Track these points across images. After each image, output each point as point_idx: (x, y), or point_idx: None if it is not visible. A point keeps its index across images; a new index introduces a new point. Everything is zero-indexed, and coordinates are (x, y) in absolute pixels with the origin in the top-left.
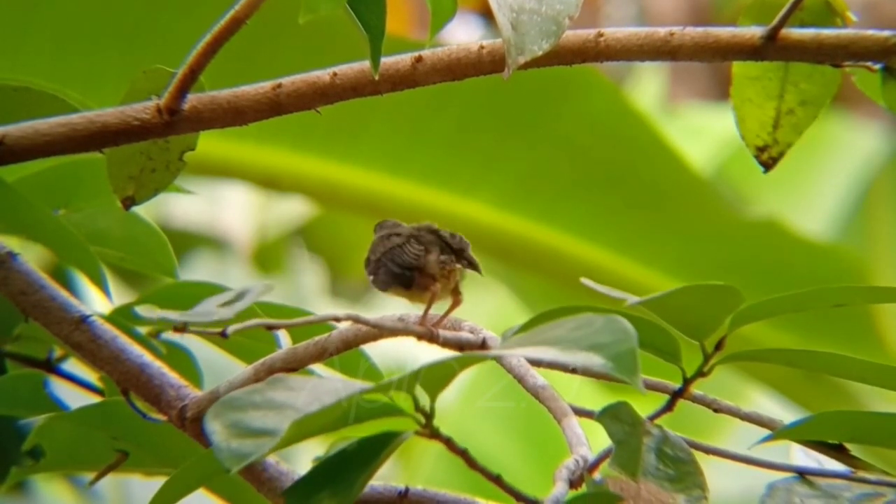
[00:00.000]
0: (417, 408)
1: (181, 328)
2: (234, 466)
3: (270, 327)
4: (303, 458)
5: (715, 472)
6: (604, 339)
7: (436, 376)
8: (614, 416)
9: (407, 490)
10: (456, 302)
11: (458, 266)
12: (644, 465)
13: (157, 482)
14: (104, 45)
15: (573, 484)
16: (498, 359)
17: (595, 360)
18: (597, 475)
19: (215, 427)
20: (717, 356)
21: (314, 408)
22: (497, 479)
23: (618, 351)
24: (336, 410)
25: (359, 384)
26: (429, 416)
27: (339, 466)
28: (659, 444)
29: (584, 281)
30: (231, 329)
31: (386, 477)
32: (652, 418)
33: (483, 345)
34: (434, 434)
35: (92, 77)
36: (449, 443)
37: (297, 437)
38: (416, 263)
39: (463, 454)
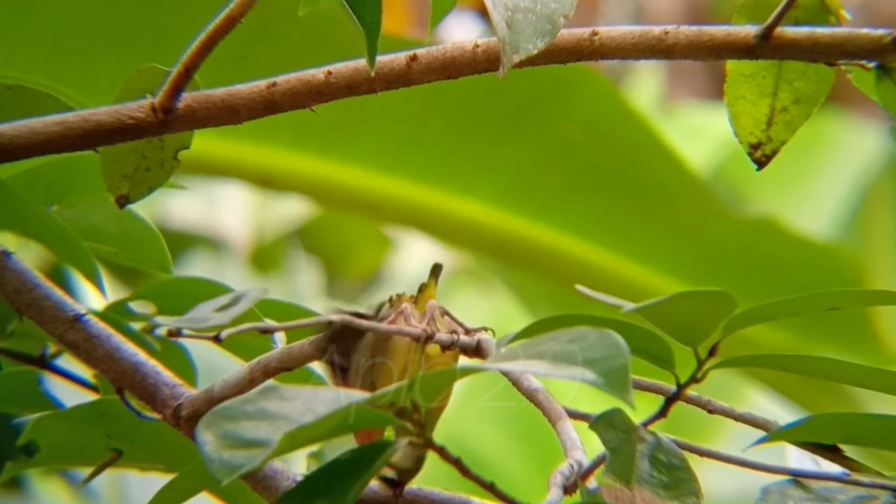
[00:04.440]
0: (412, 416)
1: (174, 333)
2: (226, 478)
3: (265, 331)
4: (298, 455)
5: (711, 473)
6: (596, 355)
7: (432, 385)
8: (608, 424)
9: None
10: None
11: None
12: (638, 473)
13: (154, 479)
14: (99, 43)
15: (568, 489)
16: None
17: (587, 376)
18: (591, 482)
19: (207, 437)
20: (710, 361)
21: (308, 419)
22: (491, 487)
23: (610, 367)
24: (330, 421)
25: (354, 394)
26: (423, 425)
27: (333, 475)
28: (653, 450)
29: (579, 288)
30: (225, 333)
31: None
32: (646, 424)
33: (478, 347)
34: (428, 443)
35: (87, 75)
36: (442, 451)
37: (290, 447)
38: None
39: (456, 463)
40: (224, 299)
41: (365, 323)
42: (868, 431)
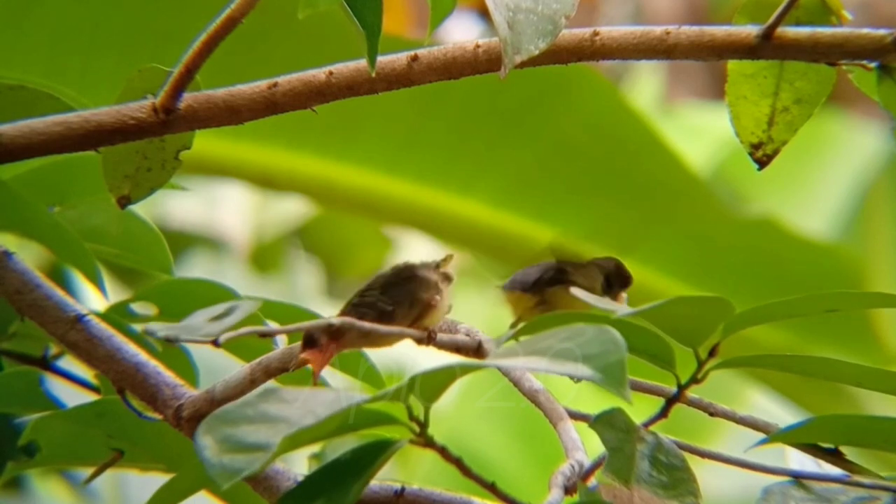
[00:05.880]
0: (412, 417)
1: (173, 340)
2: (225, 482)
3: (264, 335)
4: (299, 456)
5: (711, 474)
6: (594, 350)
7: (432, 384)
8: (608, 423)
9: (403, 489)
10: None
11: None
12: (637, 472)
13: (154, 479)
14: (101, 43)
15: (569, 489)
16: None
17: (585, 371)
18: (592, 482)
19: (206, 442)
20: (710, 362)
21: (308, 421)
22: (492, 487)
23: (607, 362)
24: (330, 423)
25: (354, 395)
26: (423, 424)
27: (334, 474)
28: (653, 450)
29: (575, 291)
30: (224, 337)
31: (382, 476)
32: (646, 425)
33: (479, 348)
34: (428, 443)
35: (89, 76)
36: (444, 451)
37: (289, 449)
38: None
39: (457, 462)
40: (219, 308)
41: (367, 325)
42: (869, 433)
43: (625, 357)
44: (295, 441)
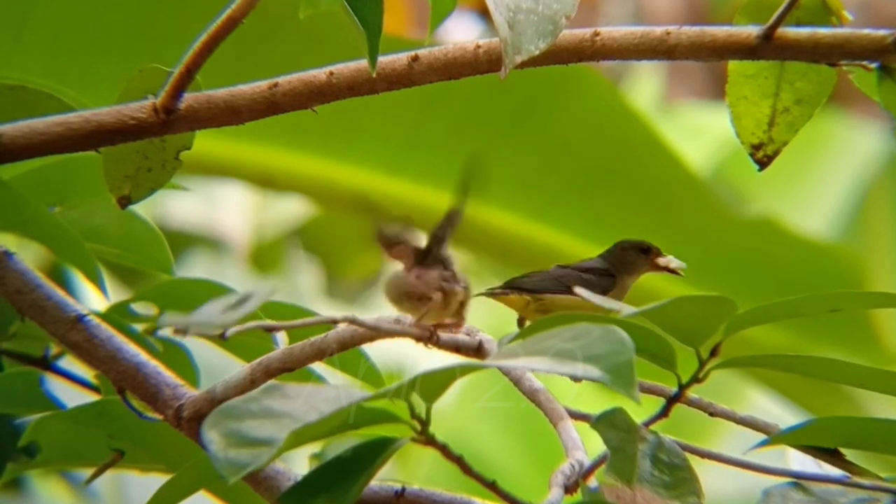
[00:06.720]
0: (413, 414)
1: (183, 331)
2: (232, 476)
3: (269, 329)
4: (299, 457)
5: (712, 474)
6: (601, 350)
7: (433, 384)
8: (610, 423)
9: (403, 490)
10: (459, 321)
11: (459, 289)
12: (639, 472)
13: (154, 480)
14: (101, 43)
15: (569, 489)
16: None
17: (592, 372)
18: (592, 481)
19: (213, 437)
20: (712, 362)
21: (312, 417)
22: (492, 486)
23: (615, 362)
24: (334, 419)
25: (356, 392)
26: (424, 422)
27: (335, 472)
28: (654, 450)
29: (578, 290)
30: (230, 332)
31: (382, 476)
32: (647, 424)
33: (479, 347)
34: (430, 441)
35: (88, 76)
36: (444, 449)
37: (294, 445)
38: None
39: (458, 461)
40: (231, 298)
41: (368, 321)
42: (869, 435)
43: (633, 357)
44: (300, 437)
